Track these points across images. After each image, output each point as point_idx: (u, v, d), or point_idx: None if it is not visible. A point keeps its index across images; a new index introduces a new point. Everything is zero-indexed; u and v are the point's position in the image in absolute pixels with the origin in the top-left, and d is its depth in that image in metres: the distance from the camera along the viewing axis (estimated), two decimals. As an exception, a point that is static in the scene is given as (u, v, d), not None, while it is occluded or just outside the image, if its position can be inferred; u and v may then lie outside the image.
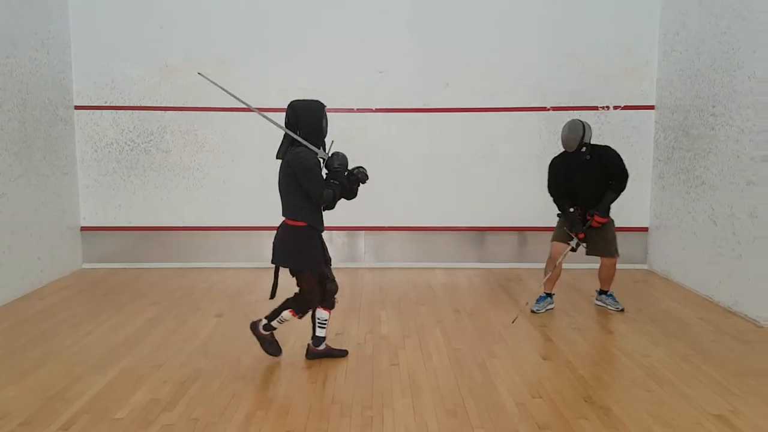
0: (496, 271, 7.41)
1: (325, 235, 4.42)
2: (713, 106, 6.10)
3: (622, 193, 5.59)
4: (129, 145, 7.47)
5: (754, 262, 5.45)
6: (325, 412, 3.71)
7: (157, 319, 5.50)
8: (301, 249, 4.23)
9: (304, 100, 4.28)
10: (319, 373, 4.30)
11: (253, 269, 7.42)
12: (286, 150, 4.17)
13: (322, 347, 4.53)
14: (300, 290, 4.34)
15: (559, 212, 5.72)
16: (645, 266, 7.53)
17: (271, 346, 4.51)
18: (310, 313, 4.45)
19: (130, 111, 7.43)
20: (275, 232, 4.34)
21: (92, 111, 7.42)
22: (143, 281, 6.91)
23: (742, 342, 4.93)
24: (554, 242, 5.74)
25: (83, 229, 7.54)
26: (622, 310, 5.78)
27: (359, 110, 7.45)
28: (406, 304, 6.04)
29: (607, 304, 5.87)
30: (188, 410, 3.72)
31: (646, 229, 7.51)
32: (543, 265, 5.96)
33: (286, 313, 4.34)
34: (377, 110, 7.46)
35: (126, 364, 4.44)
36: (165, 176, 7.53)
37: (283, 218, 4.27)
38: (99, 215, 7.55)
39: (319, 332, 4.49)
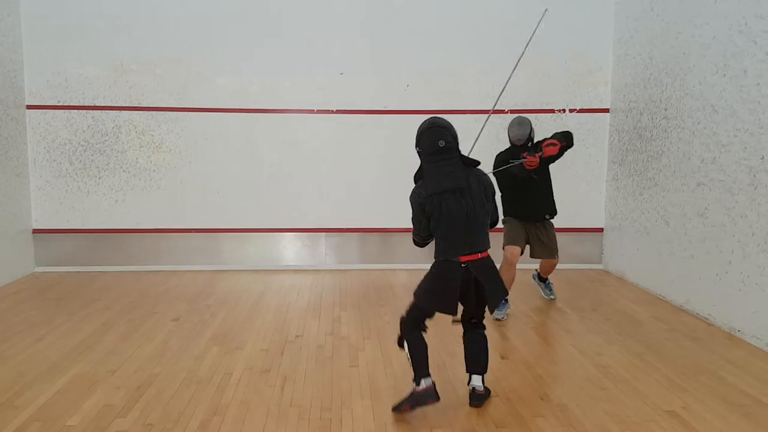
0: (456, 271, 7.44)
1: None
2: (665, 109, 6.25)
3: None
4: (83, 146, 7.30)
5: (704, 261, 5.60)
6: (283, 415, 3.67)
7: (111, 324, 5.38)
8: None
9: (441, 119, 3.75)
10: (278, 376, 4.26)
11: (212, 272, 7.34)
12: (466, 172, 3.66)
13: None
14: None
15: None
16: (600, 266, 7.67)
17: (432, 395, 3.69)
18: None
19: (84, 111, 7.26)
20: (462, 273, 3.66)
21: (45, 111, 7.23)
22: (97, 285, 6.75)
23: (693, 339, 5.05)
24: (508, 246, 5.62)
25: (35, 231, 7.34)
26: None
27: (319, 111, 7.43)
28: (366, 306, 6.04)
29: (541, 288, 6.29)
30: (143, 416, 3.64)
31: (601, 230, 7.65)
32: (499, 265, 6.00)
33: None
34: (337, 111, 7.45)
35: (78, 370, 4.33)
36: (120, 177, 7.37)
37: (478, 253, 3.66)
38: (52, 218, 7.36)
39: None
